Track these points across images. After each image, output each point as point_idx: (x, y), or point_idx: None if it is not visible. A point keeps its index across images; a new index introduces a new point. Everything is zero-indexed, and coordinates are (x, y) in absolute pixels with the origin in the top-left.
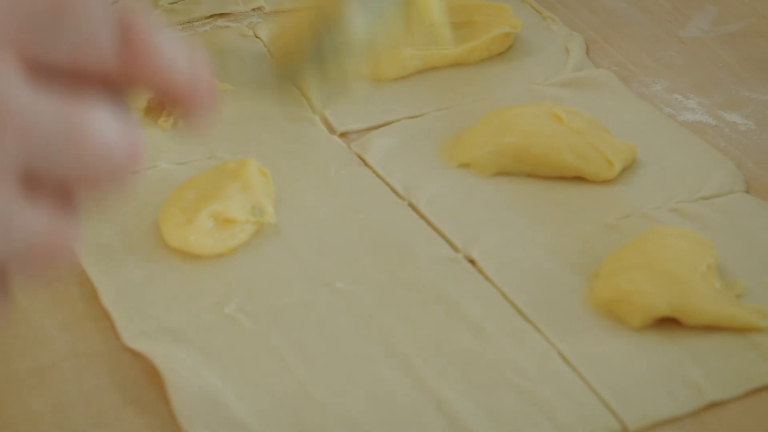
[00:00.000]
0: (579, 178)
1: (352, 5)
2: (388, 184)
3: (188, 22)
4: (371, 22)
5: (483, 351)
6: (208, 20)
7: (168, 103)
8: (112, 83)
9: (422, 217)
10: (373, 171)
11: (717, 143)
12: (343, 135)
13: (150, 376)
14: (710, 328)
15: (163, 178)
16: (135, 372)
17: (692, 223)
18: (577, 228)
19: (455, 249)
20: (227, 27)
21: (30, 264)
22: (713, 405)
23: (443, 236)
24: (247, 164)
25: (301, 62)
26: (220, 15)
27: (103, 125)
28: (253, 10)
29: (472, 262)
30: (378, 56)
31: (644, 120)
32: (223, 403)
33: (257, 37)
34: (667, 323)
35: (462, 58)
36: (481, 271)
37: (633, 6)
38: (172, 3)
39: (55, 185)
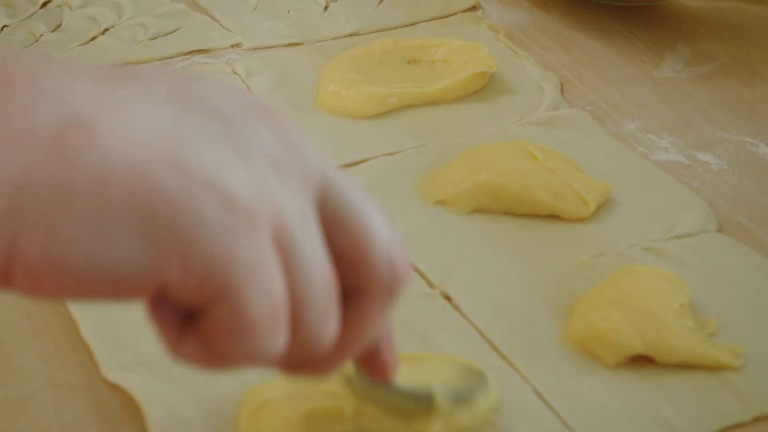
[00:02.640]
0: (554, 216)
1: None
2: None
3: (167, 58)
4: None
5: None
6: (187, 56)
7: None
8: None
9: None
10: None
11: (690, 183)
12: None
13: (130, 408)
14: (683, 367)
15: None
16: (115, 404)
17: (666, 262)
18: (552, 265)
19: (431, 285)
20: (206, 63)
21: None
22: None
23: (419, 272)
24: None
25: None
26: (199, 51)
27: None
28: (232, 46)
29: (447, 298)
30: None
31: (618, 159)
32: None
33: (235, 73)
34: (641, 361)
35: (438, 96)
36: (456, 308)
37: (607, 46)
38: (151, 39)
39: None
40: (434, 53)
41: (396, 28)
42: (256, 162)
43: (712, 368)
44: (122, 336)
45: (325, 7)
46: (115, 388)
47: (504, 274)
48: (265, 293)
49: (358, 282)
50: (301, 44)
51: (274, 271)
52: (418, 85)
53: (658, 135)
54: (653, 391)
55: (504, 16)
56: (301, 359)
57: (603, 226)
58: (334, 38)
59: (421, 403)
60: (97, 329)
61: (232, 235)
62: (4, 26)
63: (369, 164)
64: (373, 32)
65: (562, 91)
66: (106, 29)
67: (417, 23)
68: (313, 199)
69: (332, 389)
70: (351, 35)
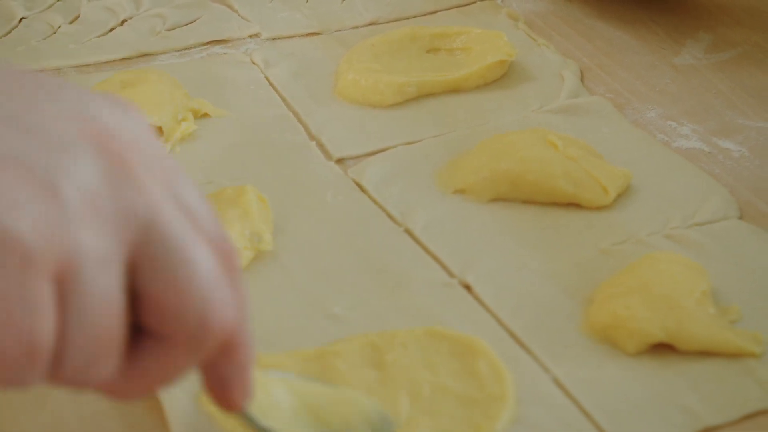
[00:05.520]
0: (574, 204)
1: None
2: (384, 210)
3: (185, 49)
4: None
5: None
6: (205, 47)
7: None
8: None
9: (418, 242)
10: (370, 197)
11: (711, 170)
12: (339, 161)
13: (149, 401)
14: (705, 354)
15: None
16: None
17: (686, 250)
18: (573, 254)
19: (451, 274)
20: (224, 54)
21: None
22: (708, 429)
23: (439, 261)
24: (245, 191)
25: None
26: (217, 41)
27: None
28: (250, 36)
29: (467, 287)
30: None
31: (638, 147)
32: (221, 429)
33: (254, 63)
34: (662, 349)
35: (457, 85)
36: (476, 297)
37: (627, 34)
38: (169, 30)
39: None
40: (453, 42)
41: (415, 17)
42: (64, 198)
43: (734, 355)
44: None
45: None
46: None
47: (524, 262)
48: (19, 333)
49: (162, 328)
50: (320, 34)
51: (39, 313)
52: (438, 73)
53: (679, 122)
54: (674, 378)
55: (523, 4)
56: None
57: (623, 213)
58: (353, 27)
59: None
60: None
61: None
62: (22, 18)
63: (388, 153)
64: (392, 21)
65: (582, 78)
66: (124, 20)
67: (436, 12)
68: (126, 241)
69: None
70: (370, 24)
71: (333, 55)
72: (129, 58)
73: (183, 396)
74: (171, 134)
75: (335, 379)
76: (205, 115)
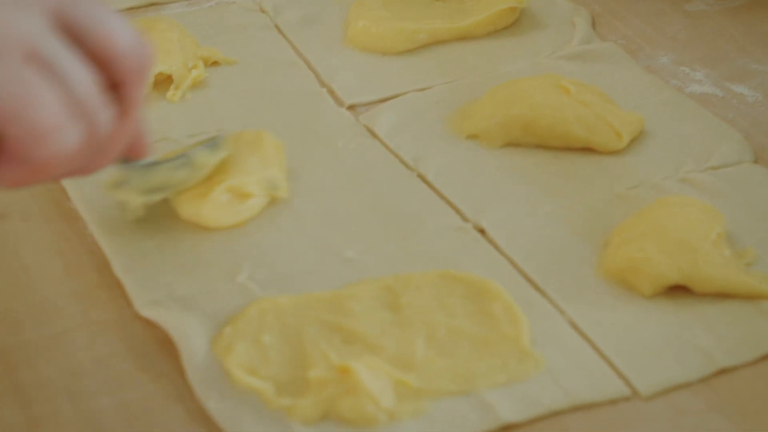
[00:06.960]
0: (587, 149)
1: None
2: (396, 156)
3: None
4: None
5: None
6: None
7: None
8: None
9: (431, 187)
10: (382, 143)
11: (725, 115)
12: (351, 108)
13: (162, 343)
14: (720, 296)
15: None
16: (147, 339)
17: (701, 193)
18: (587, 198)
19: (464, 219)
20: (232, 2)
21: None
22: (723, 371)
23: (452, 206)
24: (263, 136)
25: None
26: None
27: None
28: None
29: (481, 231)
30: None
31: (651, 92)
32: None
33: (263, 11)
34: (678, 291)
35: (468, 32)
36: (490, 241)
37: None
38: None
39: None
40: None
41: None
42: None
43: (749, 297)
44: (155, 273)
45: None
46: (146, 323)
47: (538, 207)
48: (39, 103)
49: (117, 75)
50: None
51: (35, 83)
52: (448, 21)
53: (692, 68)
54: (690, 320)
55: None
56: (94, 153)
57: (637, 158)
58: None
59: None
60: (128, 266)
61: None
62: None
63: (399, 100)
64: None
65: (593, 25)
66: None
67: None
68: (51, 16)
69: None
70: None
71: (343, 2)
72: (137, 8)
73: (197, 339)
74: (181, 82)
75: (351, 322)
76: (215, 63)
